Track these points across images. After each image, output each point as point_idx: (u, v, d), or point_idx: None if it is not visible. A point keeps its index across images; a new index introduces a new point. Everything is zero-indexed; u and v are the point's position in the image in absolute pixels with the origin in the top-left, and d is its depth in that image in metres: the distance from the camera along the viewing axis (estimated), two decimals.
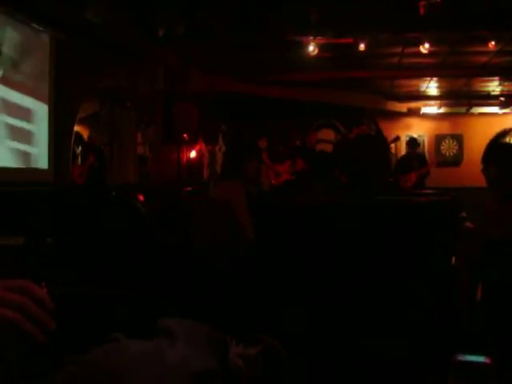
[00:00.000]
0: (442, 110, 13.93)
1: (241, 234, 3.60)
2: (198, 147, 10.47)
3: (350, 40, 8.48)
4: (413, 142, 11.03)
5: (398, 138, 10.62)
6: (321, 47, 8.53)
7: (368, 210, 2.07)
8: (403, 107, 13.72)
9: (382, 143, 2.51)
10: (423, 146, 13.18)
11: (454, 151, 13.68)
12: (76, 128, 7.21)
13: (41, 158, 6.25)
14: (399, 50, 9.29)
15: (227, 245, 3.57)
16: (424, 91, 12.76)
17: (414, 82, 11.91)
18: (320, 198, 2.42)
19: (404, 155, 11.72)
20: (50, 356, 1.01)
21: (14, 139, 5.80)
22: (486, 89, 12.41)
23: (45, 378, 0.99)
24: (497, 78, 11.30)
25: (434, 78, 11.51)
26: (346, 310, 1.94)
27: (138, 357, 0.99)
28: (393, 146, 11.39)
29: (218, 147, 10.78)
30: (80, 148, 7.96)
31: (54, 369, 0.98)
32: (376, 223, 2.03)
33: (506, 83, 11.79)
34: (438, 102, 13.62)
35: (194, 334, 1.06)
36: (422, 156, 11.12)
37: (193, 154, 10.37)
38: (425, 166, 10.38)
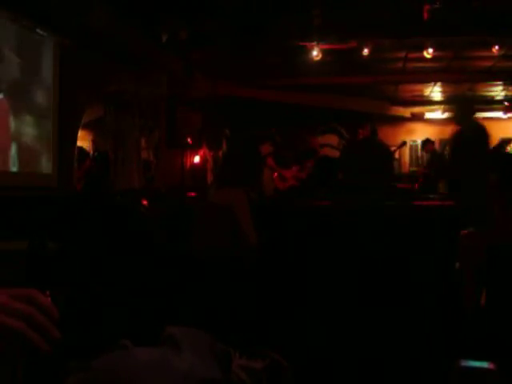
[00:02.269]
0: (445, 115, 13.92)
1: (242, 237, 3.60)
2: (201, 152, 10.48)
3: (353, 45, 8.49)
4: (425, 144, 11.02)
5: (404, 144, 10.62)
6: (324, 52, 8.54)
7: (368, 214, 2.07)
8: (407, 112, 13.71)
9: (383, 147, 2.51)
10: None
11: None
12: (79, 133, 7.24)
13: (45, 163, 6.26)
14: (403, 54, 9.29)
15: (228, 248, 3.58)
16: (428, 96, 12.75)
17: (417, 86, 11.91)
18: (321, 201, 2.42)
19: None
20: (55, 363, 1.01)
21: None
22: (490, 94, 12.40)
23: None
24: (501, 82, 11.29)
25: (438, 83, 11.51)
26: (346, 312, 1.94)
27: (145, 364, 0.99)
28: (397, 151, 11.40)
29: (221, 152, 10.80)
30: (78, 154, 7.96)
31: (60, 375, 0.99)
32: (376, 227, 2.03)
33: (510, 88, 11.77)
34: (442, 106, 13.61)
35: (198, 343, 1.07)
36: (436, 157, 11.01)
37: (196, 159, 10.39)
38: (427, 167, 10.30)
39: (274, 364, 1.12)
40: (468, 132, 6.29)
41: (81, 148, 8.03)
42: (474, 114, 7.53)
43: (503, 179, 2.95)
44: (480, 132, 6.39)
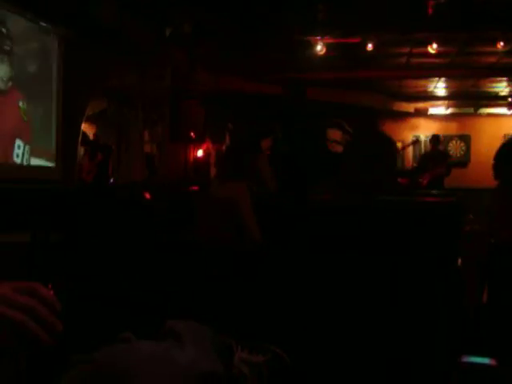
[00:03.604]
0: (449, 111, 13.90)
1: (245, 232, 3.61)
2: (204, 146, 10.48)
3: (357, 40, 8.47)
4: (434, 140, 10.97)
5: (416, 141, 10.67)
6: (328, 47, 8.52)
7: (369, 209, 2.07)
8: (410, 107, 13.69)
9: (386, 141, 2.49)
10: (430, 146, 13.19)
11: (462, 152, 13.65)
12: (83, 126, 7.24)
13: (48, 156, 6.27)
14: (407, 50, 9.27)
15: (231, 243, 3.58)
16: (432, 91, 12.73)
17: (421, 82, 11.88)
18: (321, 197, 2.42)
19: (423, 154, 11.72)
20: (58, 356, 1.02)
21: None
22: (494, 89, 12.37)
23: (57, 377, 1.00)
24: (505, 78, 11.26)
25: (442, 79, 11.49)
26: (347, 308, 1.94)
27: (147, 357, 1.00)
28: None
29: (224, 146, 10.80)
30: (87, 146, 7.96)
31: (62, 368, 0.99)
32: (377, 223, 2.03)
33: None
34: (446, 102, 13.59)
35: (200, 337, 1.07)
36: (441, 155, 10.94)
37: (200, 152, 10.39)
38: (441, 165, 10.26)
39: (275, 358, 1.12)
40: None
41: (93, 141, 8.04)
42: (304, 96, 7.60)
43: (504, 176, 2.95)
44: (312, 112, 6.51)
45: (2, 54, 5.42)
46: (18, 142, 5.73)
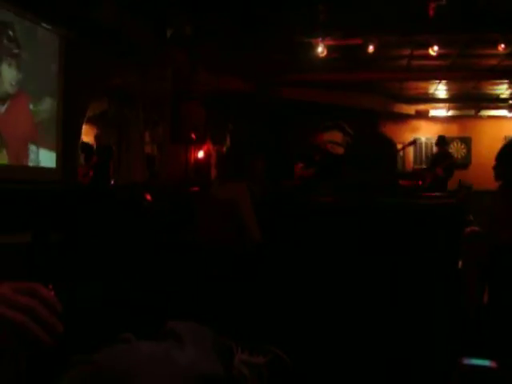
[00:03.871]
0: (450, 113, 13.89)
1: (246, 233, 3.61)
2: (205, 147, 10.48)
3: (358, 41, 8.47)
4: (438, 141, 10.89)
5: (414, 142, 10.62)
6: (329, 48, 8.52)
7: (370, 211, 2.07)
8: (411, 109, 13.69)
9: (386, 143, 2.48)
10: (431, 148, 13.19)
11: (462, 154, 13.65)
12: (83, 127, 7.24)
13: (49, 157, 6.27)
14: (408, 52, 9.27)
15: (231, 243, 3.58)
16: (432, 93, 12.73)
17: (422, 84, 11.88)
18: (322, 198, 2.42)
19: (431, 155, 11.74)
20: (58, 356, 1.01)
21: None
22: (495, 92, 12.37)
23: (58, 378, 1.00)
24: (506, 80, 11.25)
25: (443, 81, 11.48)
26: (347, 309, 1.94)
27: (146, 358, 1.00)
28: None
29: (225, 147, 10.81)
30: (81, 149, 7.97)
31: (62, 369, 0.99)
32: (378, 225, 2.02)
33: None
34: (447, 104, 13.58)
35: (200, 338, 1.07)
36: (442, 156, 10.83)
37: (200, 154, 10.40)
38: (440, 166, 10.19)
39: (275, 359, 1.12)
40: None
41: (88, 144, 8.05)
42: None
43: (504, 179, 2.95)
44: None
45: (10, 57, 5.42)
46: (32, 147, 5.74)
